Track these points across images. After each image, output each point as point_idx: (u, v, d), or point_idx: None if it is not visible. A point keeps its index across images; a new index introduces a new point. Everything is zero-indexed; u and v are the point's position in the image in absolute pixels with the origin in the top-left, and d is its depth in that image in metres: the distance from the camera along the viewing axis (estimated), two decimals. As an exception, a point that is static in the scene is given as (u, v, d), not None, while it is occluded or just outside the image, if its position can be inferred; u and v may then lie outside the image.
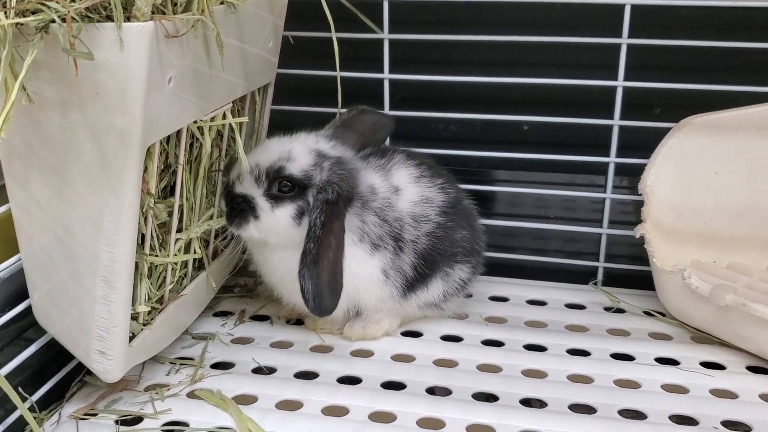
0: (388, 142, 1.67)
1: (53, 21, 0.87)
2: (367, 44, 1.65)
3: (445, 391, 1.26)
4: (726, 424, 1.18)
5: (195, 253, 1.30)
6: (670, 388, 1.28)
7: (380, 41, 1.62)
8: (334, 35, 1.38)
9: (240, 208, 1.29)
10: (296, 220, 1.28)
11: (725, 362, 1.35)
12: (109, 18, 0.90)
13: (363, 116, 1.46)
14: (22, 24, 0.88)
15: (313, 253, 1.21)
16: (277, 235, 1.31)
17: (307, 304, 1.22)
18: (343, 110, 1.46)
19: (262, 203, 1.29)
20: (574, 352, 1.39)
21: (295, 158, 1.28)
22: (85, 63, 0.90)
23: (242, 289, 1.62)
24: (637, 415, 1.21)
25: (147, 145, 1.00)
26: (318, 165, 1.28)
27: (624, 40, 1.50)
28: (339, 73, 1.45)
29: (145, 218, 1.14)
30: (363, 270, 1.32)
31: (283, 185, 1.28)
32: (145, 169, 1.06)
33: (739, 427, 1.18)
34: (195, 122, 1.15)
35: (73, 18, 0.86)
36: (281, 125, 1.40)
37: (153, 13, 0.94)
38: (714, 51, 1.54)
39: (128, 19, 0.91)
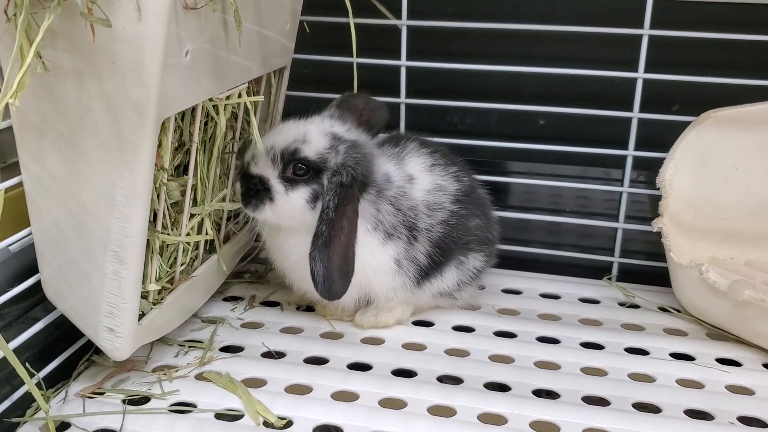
0: (402, 131, 1.66)
1: (71, -13, 0.86)
2: (385, 34, 1.64)
3: (456, 380, 1.25)
4: (742, 420, 1.16)
5: (207, 234, 1.29)
6: (685, 383, 1.26)
7: (398, 32, 1.60)
8: (351, 20, 1.37)
9: (255, 189, 1.28)
10: (310, 204, 1.27)
11: (741, 359, 1.33)
12: (128, -13, 0.89)
13: (356, 96, 1.44)
14: (39, -10, 0.87)
15: (324, 235, 1.20)
16: (290, 218, 1.29)
17: (316, 287, 1.21)
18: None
19: (276, 186, 1.27)
20: (587, 345, 1.37)
21: (310, 141, 1.27)
22: (102, 33, 0.89)
23: (253, 275, 1.61)
24: (651, 408, 1.19)
25: (162, 119, 0.99)
26: (333, 148, 1.27)
27: (645, 31, 1.48)
28: (356, 59, 1.44)
29: (158, 195, 1.13)
30: (375, 259, 1.31)
31: (297, 168, 1.26)
32: (160, 144, 1.05)
33: (756, 424, 1.16)
34: (210, 100, 1.14)
35: (91, -15, 0.85)
36: (296, 112, 1.38)
37: (172, -17, 0.93)
38: (735, 46, 1.52)
39: (147, -12, 0.90)
